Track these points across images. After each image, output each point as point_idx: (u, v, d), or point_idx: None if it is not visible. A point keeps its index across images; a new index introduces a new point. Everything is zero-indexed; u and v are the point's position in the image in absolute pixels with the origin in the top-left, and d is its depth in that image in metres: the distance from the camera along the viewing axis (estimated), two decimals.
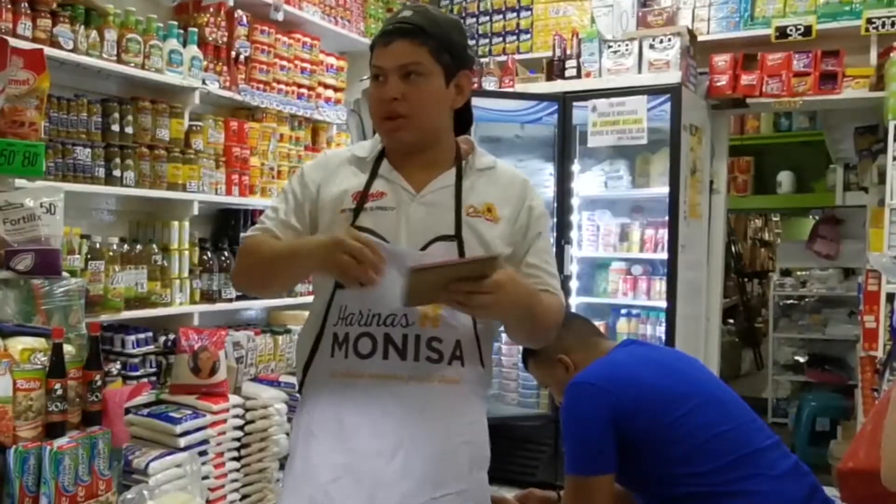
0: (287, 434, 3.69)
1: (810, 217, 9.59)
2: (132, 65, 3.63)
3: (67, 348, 1.59)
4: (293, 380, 3.69)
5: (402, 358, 1.82)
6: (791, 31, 4.94)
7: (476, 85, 5.20)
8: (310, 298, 2.26)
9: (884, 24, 4.71)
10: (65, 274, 1.78)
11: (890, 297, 4.08)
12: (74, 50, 3.37)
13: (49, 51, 3.18)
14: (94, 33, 3.47)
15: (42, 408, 1.50)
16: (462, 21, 1.93)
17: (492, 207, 1.88)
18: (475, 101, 4.97)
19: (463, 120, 2.02)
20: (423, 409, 1.81)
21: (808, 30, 4.92)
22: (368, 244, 1.67)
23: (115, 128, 3.59)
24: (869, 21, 4.75)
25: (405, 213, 1.86)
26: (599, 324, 5.00)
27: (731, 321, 10.05)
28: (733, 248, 10.40)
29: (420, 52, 1.80)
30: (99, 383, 1.58)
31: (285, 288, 2.04)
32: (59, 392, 1.52)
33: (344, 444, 1.79)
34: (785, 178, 8.45)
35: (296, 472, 1.88)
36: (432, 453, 1.79)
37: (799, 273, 7.89)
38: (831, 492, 2.18)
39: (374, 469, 1.76)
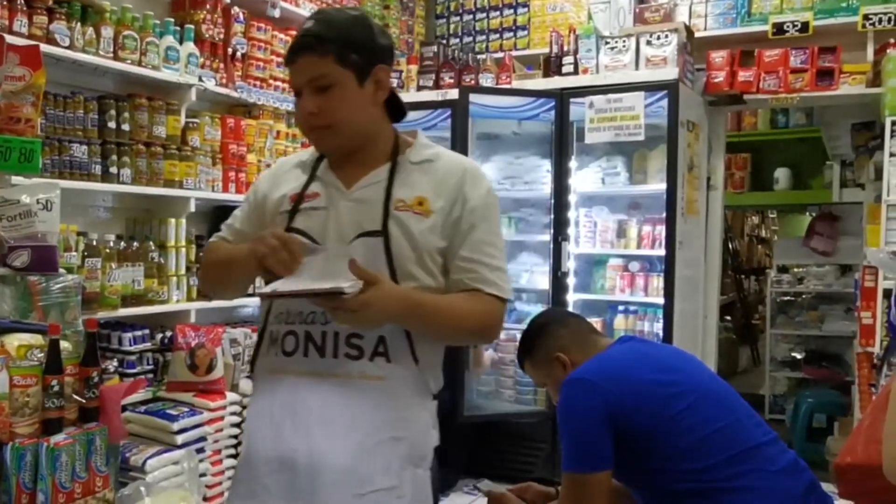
0: None
1: (807, 214, 9.60)
2: (129, 62, 3.63)
3: (64, 345, 1.59)
4: None
5: (321, 355, 1.83)
6: (788, 27, 4.95)
7: (473, 81, 5.20)
8: None
9: (880, 21, 4.72)
10: (61, 270, 1.78)
11: (887, 292, 4.08)
12: (71, 47, 3.37)
13: (45, 48, 3.17)
14: (90, 30, 3.47)
15: (39, 404, 1.50)
16: (365, 13, 1.92)
17: (423, 200, 1.87)
18: (473, 98, 5.04)
19: (395, 109, 1.99)
20: (343, 405, 1.81)
21: (804, 26, 4.93)
22: (287, 243, 1.73)
23: (112, 125, 3.59)
24: (865, 17, 4.76)
25: (334, 211, 1.88)
26: (597, 320, 5.01)
27: (729, 318, 10.05)
28: (730, 245, 10.40)
29: (324, 62, 1.79)
30: (96, 380, 1.58)
31: (236, 292, 2.10)
32: (56, 388, 1.52)
33: (275, 439, 1.81)
34: (782, 175, 8.44)
35: (240, 468, 1.93)
36: (354, 449, 1.79)
37: (796, 270, 7.89)
38: (828, 488, 2.18)
39: (300, 464, 1.77)
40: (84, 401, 1.58)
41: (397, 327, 1.83)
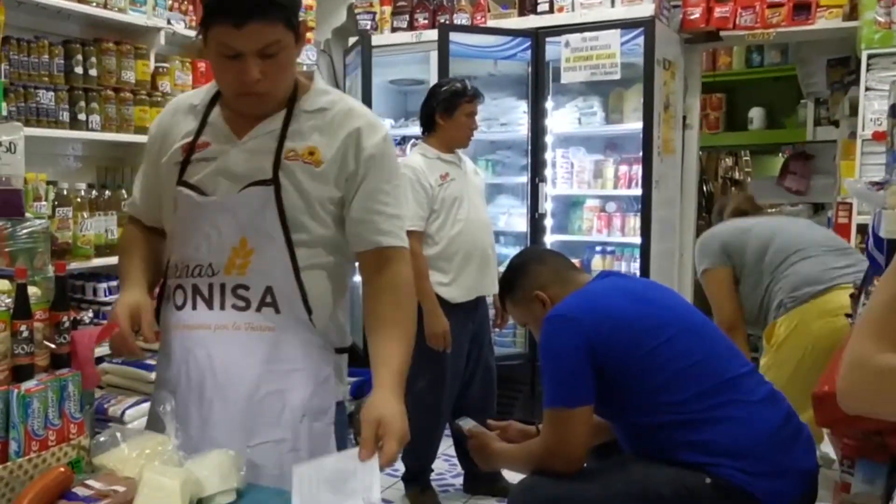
0: None
1: (780, 155, 9.60)
2: (94, 4, 3.54)
3: (33, 290, 1.55)
4: None
5: (209, 307, 1.81)
6: None
7: (448, 21, 5.12)
8: None
9: None
10: (28, 216, 1.73)
11: (861, 227, 4.11)
12: None
13: None
14: None
15: (8, 351, 1.46)
16: None
17: (314, 150, 1.80)
18: (450, 37, 4.88)
19: None
20: (230, 357, 1.79)
21: None
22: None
23: (79, 70, 3.51)
24: None
25: (225, 161, 1.81)
26: (575, 261, 4.98)
27: None
28: (705, 188, 10.40)
29: (276, 29, 1.68)
30: (67, 325, 1.54)
31: None
32: (26, 334, 1.48)
33: (170, 394, 1.78)
34: (756, 115, 8.42)
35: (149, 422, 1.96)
36: (240, 401, 1.78)
37: (770, 209, 7.91)
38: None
39: (194, 417, 1.78)
40: (55, 346, 1.55)
41: (286, 276, 1.79)
